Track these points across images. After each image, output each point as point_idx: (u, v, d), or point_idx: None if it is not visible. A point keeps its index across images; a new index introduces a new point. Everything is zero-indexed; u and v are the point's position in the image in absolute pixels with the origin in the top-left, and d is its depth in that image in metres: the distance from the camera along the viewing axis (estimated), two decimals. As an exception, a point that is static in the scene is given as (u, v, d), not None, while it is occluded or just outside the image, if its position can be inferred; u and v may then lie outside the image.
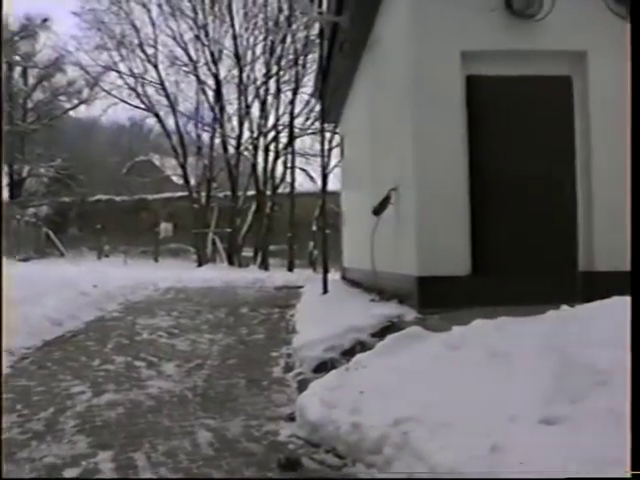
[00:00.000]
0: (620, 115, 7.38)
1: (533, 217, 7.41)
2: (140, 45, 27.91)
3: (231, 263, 26.95)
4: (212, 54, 27.42)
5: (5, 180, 30.61)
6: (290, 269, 25.79)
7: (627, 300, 5.38)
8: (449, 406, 4.04)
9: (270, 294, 14.86)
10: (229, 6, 26.90)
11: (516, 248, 7.37)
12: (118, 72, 28.45)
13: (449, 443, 3.61)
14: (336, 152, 22.04)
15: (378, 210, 8.78)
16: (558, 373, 4.19)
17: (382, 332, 6.63)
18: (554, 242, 7.45)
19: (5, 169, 30.64)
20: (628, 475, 2.89)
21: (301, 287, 14.61)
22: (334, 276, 15.75)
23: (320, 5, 12.15)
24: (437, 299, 7.05)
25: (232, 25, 27.02)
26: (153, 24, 27.72)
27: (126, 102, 29.52)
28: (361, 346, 6.44)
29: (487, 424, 3.72)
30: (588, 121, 7.50)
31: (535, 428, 3.66)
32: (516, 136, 7.46)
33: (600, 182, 7.41)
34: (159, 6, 27.39)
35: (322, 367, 6.18)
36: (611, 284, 6.61)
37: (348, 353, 6.30)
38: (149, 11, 27.57)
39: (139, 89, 28.79)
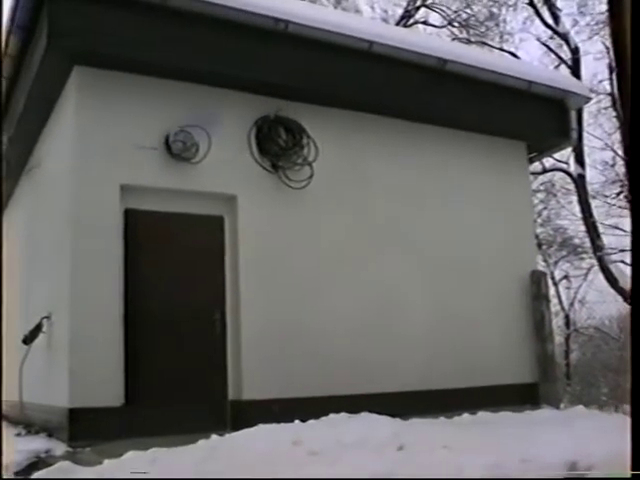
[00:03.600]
0: (264, 252, 8.19)
1: (187, 349, 7.67)
2: None
3: None
4: None
5: None
6: None
7: (269, 427, 5.87)
8: None
9: None
10: None
11: (169, 378, 7.54)
12: None
13: None
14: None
15: (29, 338, 8.45)
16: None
17: (28, 469, 6.29)
18: (206, 373, 7.77)
19: None
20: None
21: None
22: (-26, 408, 14.49)
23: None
24: (89, 431, 6.87)
25: None
26: None
27: None
28: (3, 487, 6.05)
29: None
30: (237, 258, 8.12)
31: None
32: (172, 270, 7.79)
33: (247, 317, 7.97)
34: None
35: (-43, 517, 5.67)
36: (255, 412, 7.14)
37: (-12, 496, 5.87)
38: None
39: None
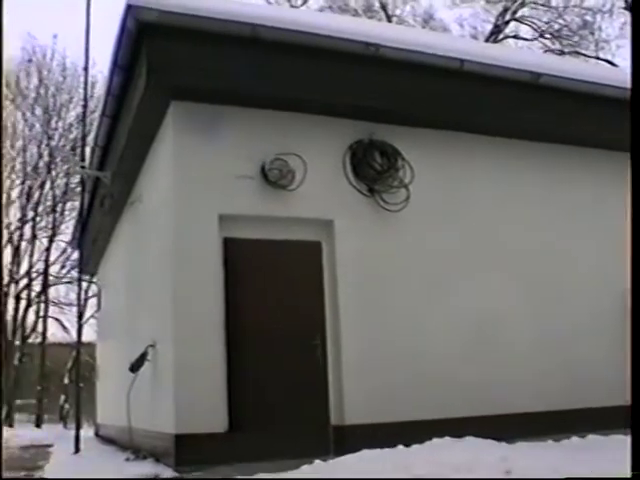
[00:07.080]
0: (362, 276, 8.18)
1: (288, 374, 7.73)
2: None
3: (-29, 420, 24.73)
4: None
5: None
6: (38, 425, 24.14)
7: (372, 453, 5.83)
8: None
9: (15, 455, 13.75)
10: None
11: (272, 404, 7.60)
12: None
13: None
14: (92, 302, 21.49)
15: (135, 366, 8.69)
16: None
17: (138, 493, 6.48)
18: (308, 398, 7.80)
19: None
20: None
21: (50, 445, 13.72)
22: (87, 432, 14.99)
23: (82, 158, 12.22)
24: (195, 456, 7.01)
25: (-15, 166, 26.04)
26: None
27: None
28: (116, 509, 6.24)
29: None
30: (336, 282, 8.14)
31: None
32: (271, 297, 7.90)
33: (347, 342, 7.97)
34: None
35: (74, 536, 5.88)
36: (358, 437, 7.11)
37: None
38: None
39: None
